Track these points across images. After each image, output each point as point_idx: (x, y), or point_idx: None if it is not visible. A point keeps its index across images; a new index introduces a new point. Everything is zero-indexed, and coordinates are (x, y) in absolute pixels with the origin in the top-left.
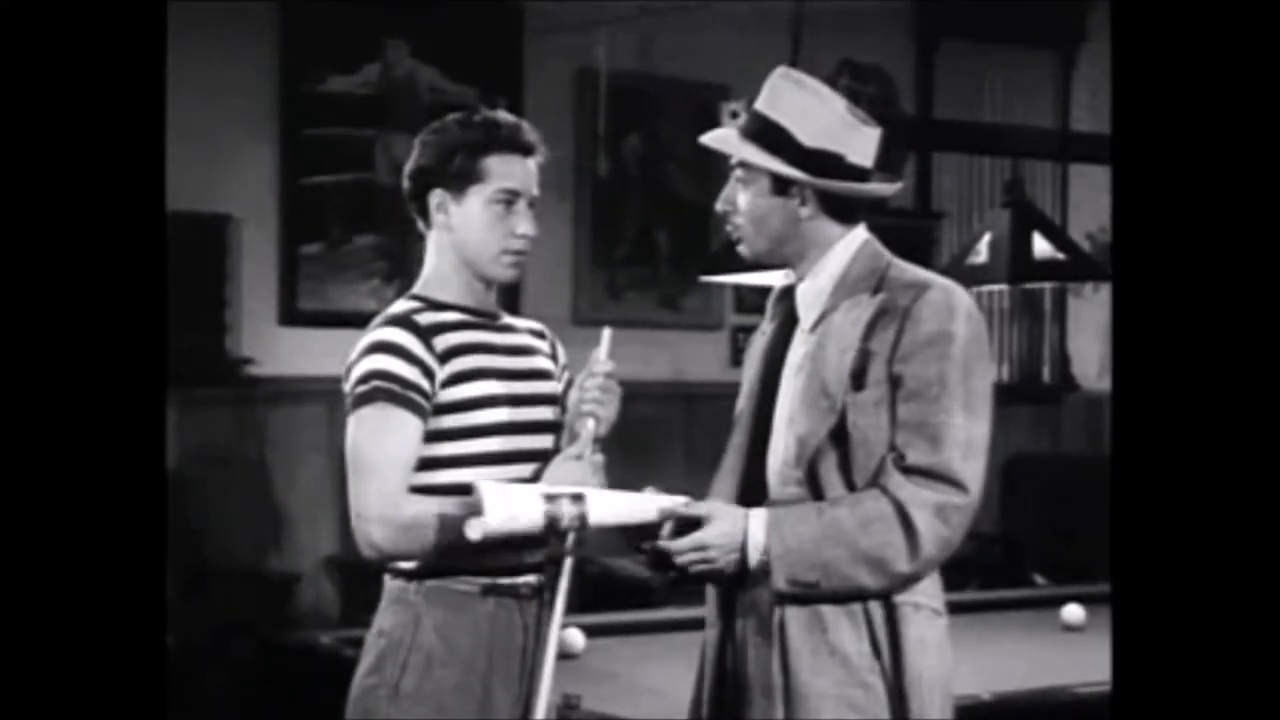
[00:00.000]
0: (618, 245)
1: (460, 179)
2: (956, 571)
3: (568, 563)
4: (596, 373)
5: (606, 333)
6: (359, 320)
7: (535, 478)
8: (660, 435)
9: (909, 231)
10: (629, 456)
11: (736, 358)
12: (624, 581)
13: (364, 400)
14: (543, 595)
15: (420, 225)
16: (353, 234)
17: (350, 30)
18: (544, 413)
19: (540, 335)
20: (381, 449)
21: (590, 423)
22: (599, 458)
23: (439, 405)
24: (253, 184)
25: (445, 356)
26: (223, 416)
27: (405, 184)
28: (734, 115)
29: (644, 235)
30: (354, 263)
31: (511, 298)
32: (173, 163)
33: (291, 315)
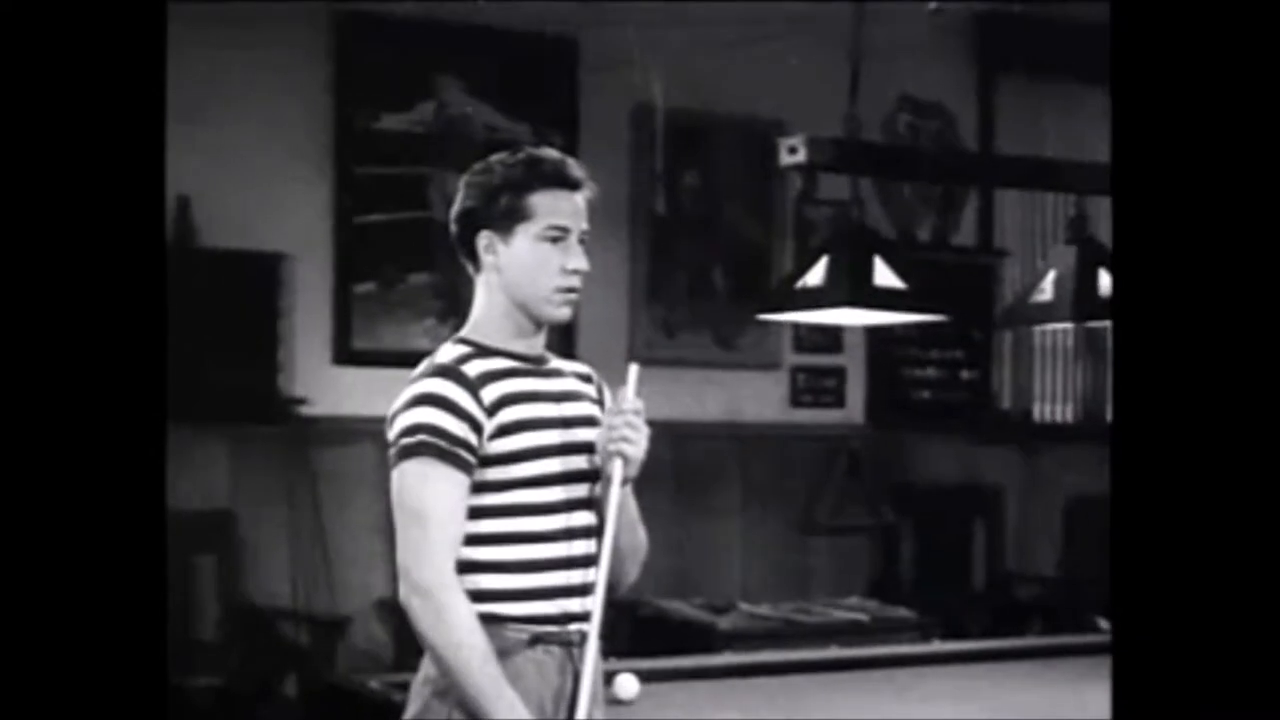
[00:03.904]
0: (674, 283)
1: (507, 218)
2: (1017, 615)
3: (598, 607)
4: (624, 410)
5: (634, 369)
6: (413, 360)
7: (583, 528)
8: (715, 477)
9: (971, 269)
10: (683, 498)
11: (795, 398)
12: (679, 624)
13: (409, 453)
14: None
15: (470, 269)
16: (407, 273)
17: (404, 67)
18: (585, 462)
19: (587, 379)
20: (429, 508)
21: (618, 463)
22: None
23: (485, 457)
24: (307, 222)
25: (493, 409)
26: (275, 455)
27: (452, 228)
28: (792, 151)
29: (700, 273)
30: (408, 302)
31: (567, 336)
32: (227, 201)
33: (345, 354)
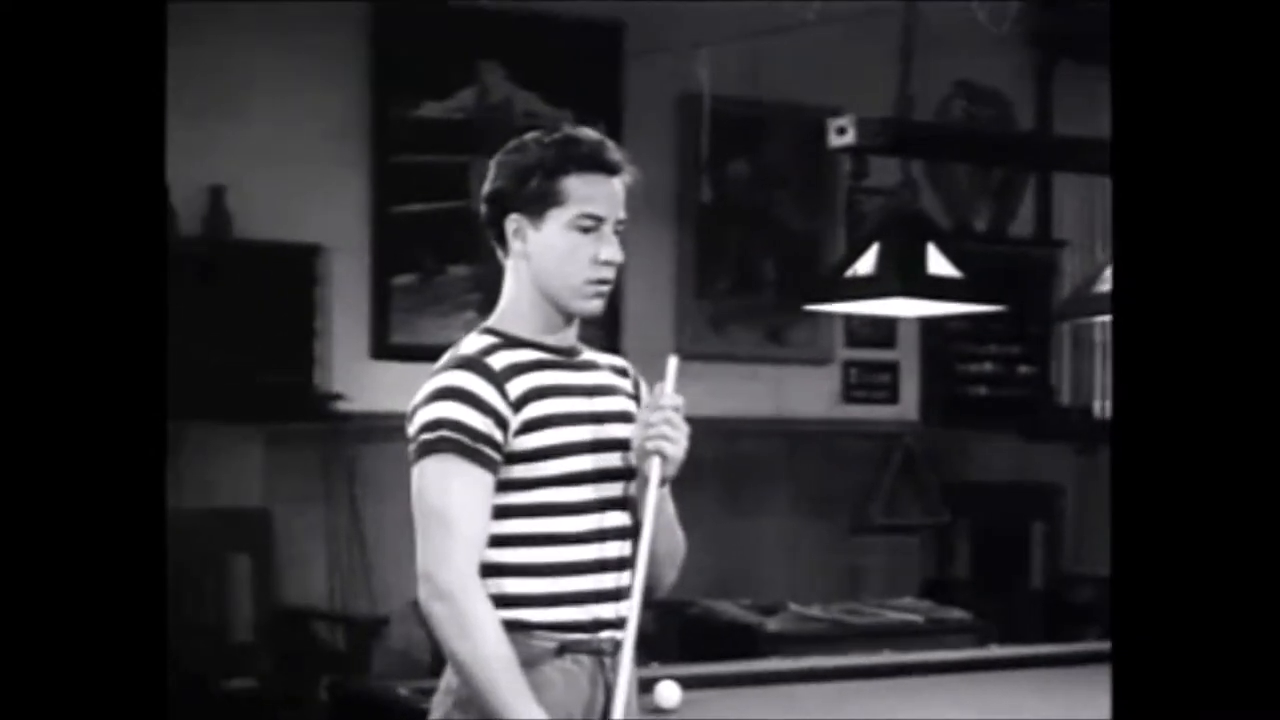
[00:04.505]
0: (721, 276)
1: (538, 202)
2: (1075, 618)
3: (634, 613)
4: (663, 406)
5: (672, 362)
6: None
7: (616, 530)
8: (765, 474)
9: (1029, 260)
10: (732, 497)
11: (847, 394)
12: (726, 626)
13: (429, 450)
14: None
15: (499, 254)
16: (446, 264)
17: (444, 54)
18: (619, 459)
19: (623, 373)
20: (451, 508)
21: (657, 461)
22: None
23: (511, 454)
24: (343, 213)
25: (520, 403)
26: (311, 453)
27: (482, 208)
28: (841, 132)
29: (749, 265)
30: (448, 294)
31: (611, 331)
32: (262, 191)
33: (383, 349)
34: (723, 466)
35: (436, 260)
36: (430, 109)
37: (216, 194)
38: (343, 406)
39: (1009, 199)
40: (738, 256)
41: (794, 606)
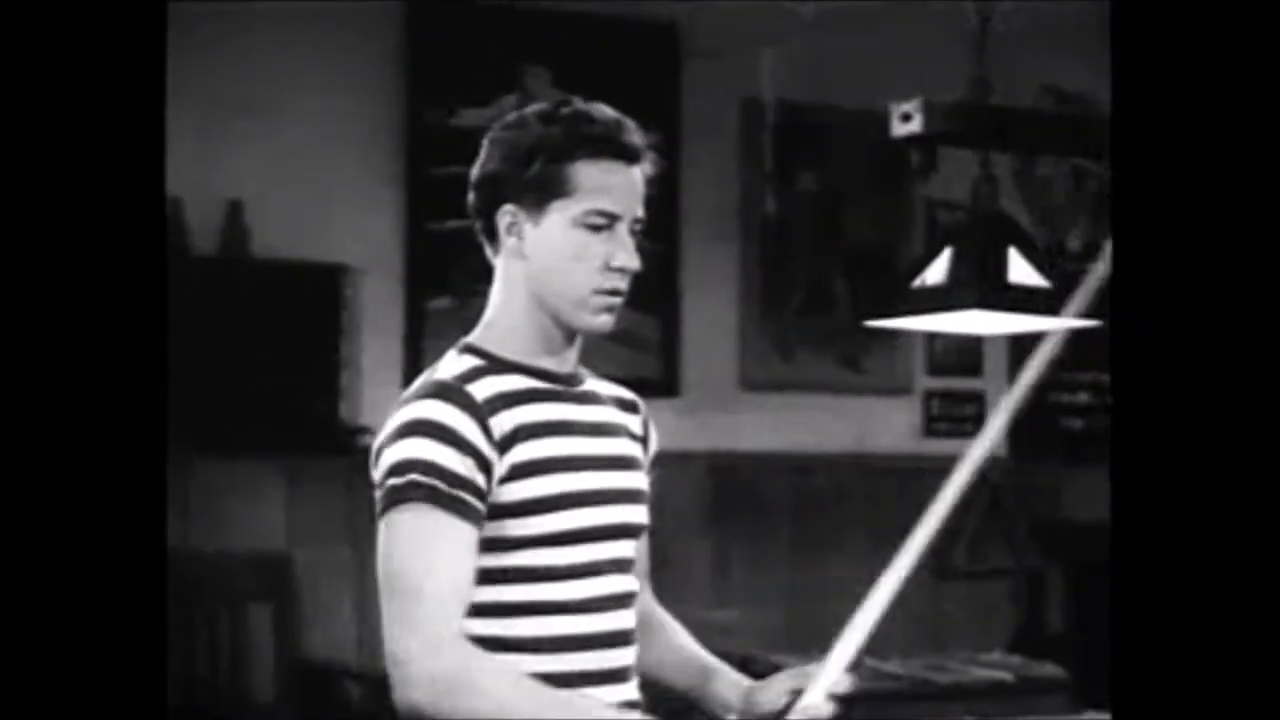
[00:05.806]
0: (789, 297)
1: (539, 191)
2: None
3: None
4: None
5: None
6: None
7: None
8: (839, 514)
9: None
10: (803, 538)
11: (929, 426)
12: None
13: (397, 498)
14: None
15: (488, 251)
16: (486, 286)
17: (484, 57)
18: (624, 514)
19: (631, 408)
20: (425, 572)
21: None
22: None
23: (495, 506)
24: (374, 230)
25: (507, 443)
26: (337, 492)
27: (470, 195)
28: (906, 118)
29: (819, 285)
30: None
31: (669, 357)
32: (285, 205)
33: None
34: (792, 506)
35: (475, 282)
36: (469, 117)
37: (234, 208)
38: (372, 441)
39: (1107, 213)
40: (808, 276)
41: (870, 662)
